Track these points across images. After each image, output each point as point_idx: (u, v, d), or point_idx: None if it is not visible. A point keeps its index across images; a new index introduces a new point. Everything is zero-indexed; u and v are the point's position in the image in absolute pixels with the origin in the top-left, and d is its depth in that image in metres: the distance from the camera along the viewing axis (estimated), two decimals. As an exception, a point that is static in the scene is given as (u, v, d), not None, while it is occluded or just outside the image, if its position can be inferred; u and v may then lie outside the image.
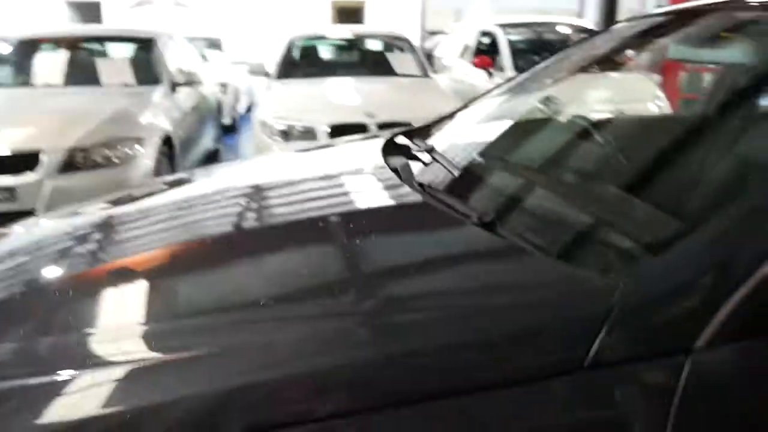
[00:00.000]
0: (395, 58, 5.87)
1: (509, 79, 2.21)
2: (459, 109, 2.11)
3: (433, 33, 13.46)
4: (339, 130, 4.52)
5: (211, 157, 5.92)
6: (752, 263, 0.80)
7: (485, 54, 7.03)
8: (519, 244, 1.05)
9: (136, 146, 3.82)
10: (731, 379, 0.81)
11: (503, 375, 0.81)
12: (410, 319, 0.94)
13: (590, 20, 9.43)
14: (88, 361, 0.93)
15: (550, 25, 7.68)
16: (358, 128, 4.58)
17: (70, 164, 3.56)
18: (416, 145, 1.70)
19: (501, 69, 6.51)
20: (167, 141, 4.29)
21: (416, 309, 0.98)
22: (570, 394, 0.79)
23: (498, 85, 2.17)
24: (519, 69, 6.39)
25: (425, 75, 5.70)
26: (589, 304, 0.85)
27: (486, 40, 7.34)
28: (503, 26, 6.98)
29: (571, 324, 0.83)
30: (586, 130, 1.67)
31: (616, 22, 3.42)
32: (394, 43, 6.20)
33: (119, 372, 0.89)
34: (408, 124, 4.54)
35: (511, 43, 6.72)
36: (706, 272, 0.83)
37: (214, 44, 10.28)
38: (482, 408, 0.78)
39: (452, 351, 0.83)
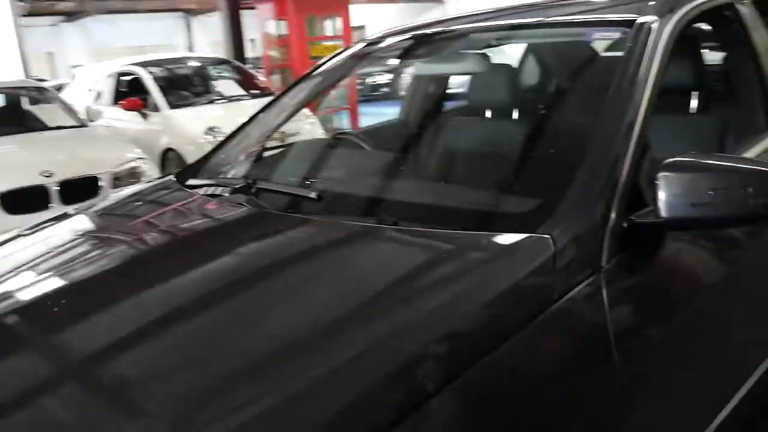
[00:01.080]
0: (42, 111, 5.35)
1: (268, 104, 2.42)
2: (227, 138, 2.28)
3: (41, 80, 12.27)
4: (14, 196, 4.01)
5: None
6: (606, 211, 1.21)
7: (127, 95, 6.88)
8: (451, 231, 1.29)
9: None
10: (625, 278, 1.22)
11: (503, 326, 1.05)
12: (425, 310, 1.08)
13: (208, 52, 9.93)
14: None
15: (183, 60, 7.95)
16: (38, 191, 4.13)
17: None
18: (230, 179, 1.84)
19: (155, 107, 6.48)
20: None
21: (415, 299, 1.15)
22: (550, 323, 1.09)
23: (257, 113, 2.39)
24: (172, 105, 6.46)
25: (82, 124, 5.34)
26: (540, 257, 1.16)
27: (125, 80, 7.17)
28: (143, 65, 6.91)
29: (537, 275, 1.13)
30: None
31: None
32: (31, 94, 5.62)
33: None
34: (94, 178, 4.31)
35: (156, 80, 6.72)
36: (586, 221, 1.22)
37: None
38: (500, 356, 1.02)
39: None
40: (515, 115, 2.07)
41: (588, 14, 1.84)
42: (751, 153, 1.65)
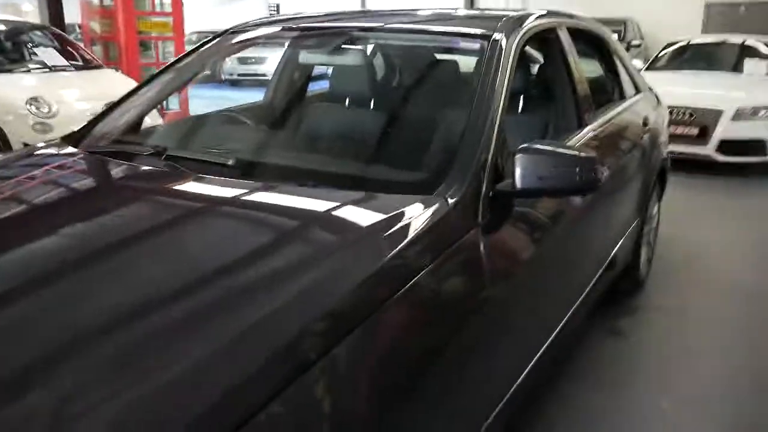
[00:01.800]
0: None
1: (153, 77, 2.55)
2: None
3: None
4: None
5: None
6: (478, 182, 1.61)
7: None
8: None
9: None
10: (493, 231, 1.63)
11: (421, 259, 1.40)
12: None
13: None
14: None
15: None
16: None
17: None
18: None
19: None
20: None
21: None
22: (450, 258, 1.46)
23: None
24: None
25: None
26: (440, 212, 1.51)
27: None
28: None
29: (441, 223, 1.49)
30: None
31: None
32: None
33: None
34: None
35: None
36: (466, 189, 1.60)
37: None
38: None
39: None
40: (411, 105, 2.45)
41: (454, 27, 2.27)
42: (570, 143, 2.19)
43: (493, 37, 2.02)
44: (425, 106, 2.26)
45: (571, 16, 2.78)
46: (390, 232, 1.39)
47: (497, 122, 1.76)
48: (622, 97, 3.15)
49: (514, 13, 2.29)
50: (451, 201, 1.53)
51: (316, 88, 3.19)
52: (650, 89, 3.69)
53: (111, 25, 8.03)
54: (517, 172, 1.62)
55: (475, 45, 2.06)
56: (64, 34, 7.18)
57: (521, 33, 2.12)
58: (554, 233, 2.02)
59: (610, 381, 2.66)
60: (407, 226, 1.42)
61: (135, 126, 2.42)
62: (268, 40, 2.85)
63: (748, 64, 7.16)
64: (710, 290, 3.63)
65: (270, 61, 15.58)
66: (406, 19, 2.52)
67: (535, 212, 1.88)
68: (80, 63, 6.77)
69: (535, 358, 1.93)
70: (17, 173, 1.95)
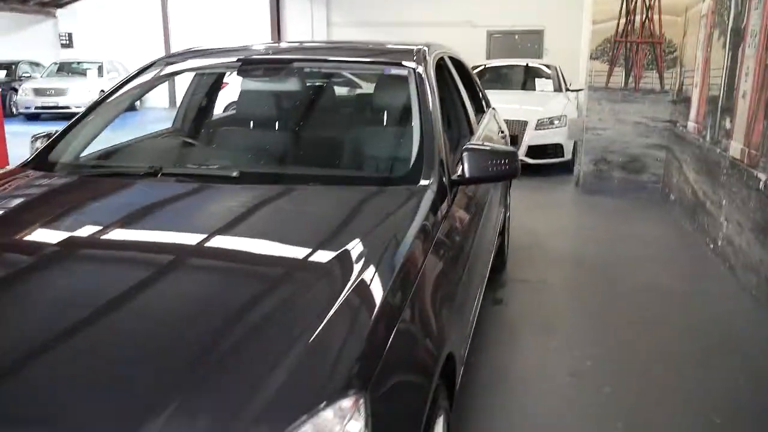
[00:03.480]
0: None
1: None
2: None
3: None
4: None
5: None
6: (441, 174, 2.13)
7: None
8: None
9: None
10: (454, 205, 2.16)
11: (426, 226, 1.90)
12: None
13: None
14: None
15: None
16: None
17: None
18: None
19: None
20: None
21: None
22: (437, 223, 1.97)
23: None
24: None
25: None
26: (430, 195, 2.00)
27: None
28: None
29: (432, 203, 1.98)
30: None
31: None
32: None
33: None
34: None
35: None
36: (436, 178, 2.10)
37: None
38: None
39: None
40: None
41: (375, 58, 2.80)
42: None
43: (416, 67, 2.56)
44: (387, 122, 2.74)
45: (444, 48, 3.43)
46: (410, 206, 1.90)
47: (441, 131, 2.31)
48: (482, 110, 3.89)
49: (417, 46, 2.83)
50: (432, 187, 2.04)
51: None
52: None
53: None
54: (466, 165, 2.18)
55: (404, 72, 2.58)
56: None
57: (432, 60, 2.70)
58: (476, 208, 2.63)
59: (495, 340, 3.33)
60: (418, 203, 1.92)
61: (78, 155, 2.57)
62: (211, 70, 3.10)
63: (539, 82, 8.59)
64: (553, 262, 4.54)
65: (71, 93, 14.73)
66: (339, 52, 2.97)
67: (467, 193, 2.47)
68: None
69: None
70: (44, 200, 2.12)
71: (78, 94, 14.76)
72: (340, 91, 3.12)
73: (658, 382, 2.90)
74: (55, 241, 1.70)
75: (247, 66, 2.79)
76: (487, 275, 3.21)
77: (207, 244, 1.67)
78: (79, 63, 16.41)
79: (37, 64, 17.48)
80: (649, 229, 5.49)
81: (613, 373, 2.95)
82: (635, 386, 2.84)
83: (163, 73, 2.83)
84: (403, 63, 2.61)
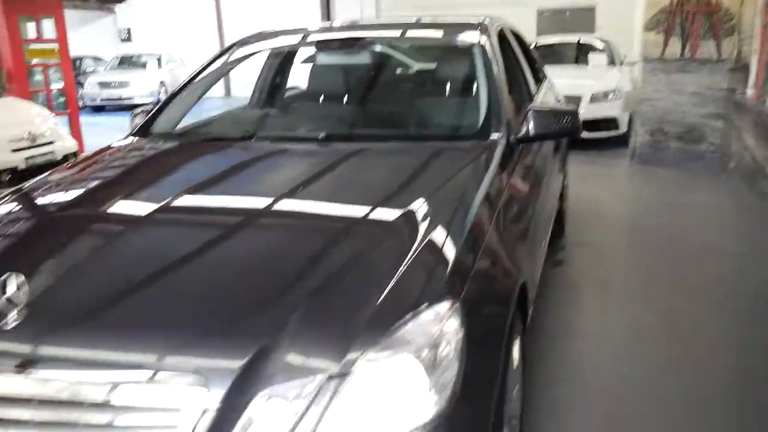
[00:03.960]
0: None
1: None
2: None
3: None
4: None
5: None
6: (508, 132, 2.33)
7: None
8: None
9: None
10: (521, 156, 2.36)
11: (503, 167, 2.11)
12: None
13: None
14: None
15: None
16: None
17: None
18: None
19: None
20: None
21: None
22: (511, 167, 2.19)
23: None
24: None
25: None
26: (502, 145, 2.22)
27: None
28: None
29: (505, 151, 2.19)
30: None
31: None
32: None
33: None
34: None
35: None
36: (503, 135, 2.30)
37: None
38: None
39: None
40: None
41: (442, 30, 3.01)
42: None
43: (481, 35, 2.75)
44: (457, 86, 2.94)
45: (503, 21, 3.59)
46: (484, 156, 2.12)
47: (506, 93, 2.50)
48: (540, 80, 4.04)
49: (480, 18, 3.01)
50: (501, 141, 2.25)
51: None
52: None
53: (-6, 54, 7.81)
54: (531, 124, 2.36)
55: (471, 40, 2.77)
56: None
57: (495, 32, 2.88)
58: (540, 167, 2.81)
59: (557, 299, 3.50)
60: (491, 153, 2.15)
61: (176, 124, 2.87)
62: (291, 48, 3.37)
63: (592, 57, 8.58)
64: (611, 226, 4.66)
65: (133, 85, 15.39)
66: (408, 27, 3.20)
67: (531, 154, 2.66)
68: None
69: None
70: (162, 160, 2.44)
71: (139, 86, 15.40)
72: (411, 61, 3.33)
73: (712, 336, 3.02)
74: (175, 191, 1.98)
75: (325, 43, 3.05)
76: (549, 236, 3.38)
77: (308, 191, 1.94)
78: (139, 56, 17.05)
79: (99, 59, 18.27)
80: (706, 196, 5.52)
81: (671, 329, 3.10)
82: (693, 341, 2.98)
83: (243, 53, 3.10)
84: (469, 32, 2.81)
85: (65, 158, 6.39)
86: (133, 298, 1.42)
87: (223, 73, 3.21)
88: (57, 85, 8.56)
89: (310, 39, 3.17)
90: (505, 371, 1.59)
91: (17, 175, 5.87)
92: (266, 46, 3.26)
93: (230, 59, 3.10)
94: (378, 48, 3.16)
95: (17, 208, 2.03)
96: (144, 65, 16.56)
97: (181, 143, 2.56)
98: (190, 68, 16.78)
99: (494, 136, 2.28)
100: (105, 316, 1.37)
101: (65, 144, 6.52)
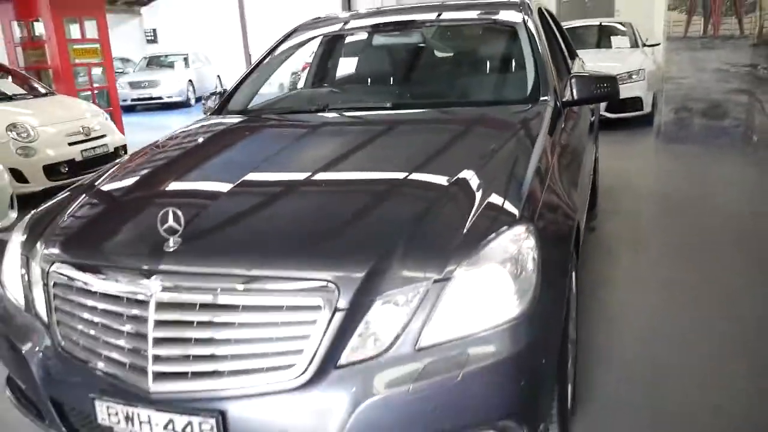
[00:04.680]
0: None
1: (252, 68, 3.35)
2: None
3: None
4: None
5: None
6: (556, 96, 2.62)
7: None
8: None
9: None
10: (566, 117, 2.65)
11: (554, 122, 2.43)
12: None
13: None
14: None
15: None
16: None
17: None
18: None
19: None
20: None
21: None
22: (559, 123, 2.50)
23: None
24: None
25: None
26: (550, 107, 2.51)
27: None
28: None
29: (553, 112, 2.48)
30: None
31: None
32: None
33: None
34: None
35: None
36: (551, 99, 2.59)
37: None
38: None
39: None
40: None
41: (487, 8, 3.30)
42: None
43: (525, 12, 3.02)
44: (507, 58, 3.21)
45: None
46: (537, 116, 2.41)
47: (551, 62, 2.78)
48: (573, 57, 4.29)
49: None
50: (550, 103, 2.54)
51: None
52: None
53: (42, 55, 8.23)
54: (574, 89, 2.64)
55: (516, 16, 3.05)
56: (8, 66, 7.36)
57: (536, 9, 3.15)
58: (580, 133, 3.08)
59: (592, 257, 3.76)
60: (543, 113, 2.44)
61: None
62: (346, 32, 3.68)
63: (615, 40, 8.78)
64: (640, 197, 4.91)
65: (163, 84, 15.83)
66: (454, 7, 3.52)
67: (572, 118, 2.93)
68: (42, 91, 7.05)
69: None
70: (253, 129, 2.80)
71: (169, 85, 15.84)
72: (463, 39, 3.65)
73: (736, 284, 3.27)
74: (283, 145, 2.46)
75: (377, 26, 3.36)
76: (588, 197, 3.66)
77: (393, 146, 2.36)
78: (166, 56, 17.50)
79: (128, 60, 18.75)
80: (731, 169, 5.73)
81: (698, 278, 3.36)
82: (717, 287, 3.24)
83: (303, 38, 3.41)
84: (514, 10, 3.12)
85: (116, 151, 6.78)
86: (274, 226, 1.76)
87: (285, 57, 3.51)
88: (98, 85, 8.96)
89: (365, 22, 3.49)
90: (569, 293, 1.87)
91: (75, 167, 6.26)
92: (323, 31, 3.56)
93: (291, 44, 3.41)
94: (427, 28, 3.46)
95: (159, 158, 2.49)
96: (172, 65, 16.99)
97: (265, 116, 2.90)
98: (215, 67, 17.32)
99: (544, 99, 2.56)
100: (256, 240, 1.70)
101: (115, 138, 6.89)
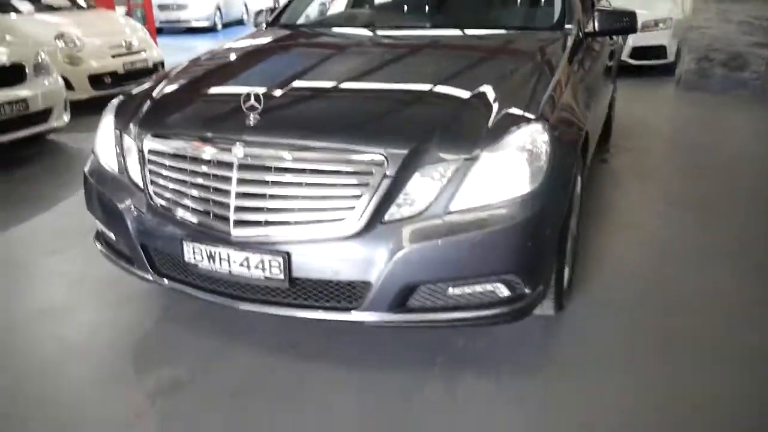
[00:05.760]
0: None
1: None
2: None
3: None
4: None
5: None
6: (579, 27, 2.91)
7: None
8: None
9: None
10: (587, 42, 2.94)
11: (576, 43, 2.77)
12: None
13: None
14: None
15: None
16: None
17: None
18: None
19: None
20: None
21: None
22: (580, 46, 2.84)
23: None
24: None
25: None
26: (573, 33, 2.84)
27: None
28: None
29: (576, 38, 2.79)
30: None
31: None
32: None
33: None
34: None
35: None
36: (575, 29, 2.88)
37: None
38: None
39: None
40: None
41: None
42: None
43: None
44: None
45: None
46: (561, 40, 2.74)
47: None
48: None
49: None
50: (573, 31, 2.86)
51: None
52: None
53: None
54: (596, 22, 2.93)
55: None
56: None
57: None
58: (600, 60, 3.39)
59: (602, 183, 4.10)
60: (566, 37, 2.78)
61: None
62: None
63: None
64: (654, 137, 5.20)
65: (191, 8, 15.93)
66: None
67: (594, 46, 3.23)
68: (77, 5, 7.31)
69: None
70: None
71: (197, 9, 15.93)
72: None
73: (734, 209, 3.61)
74: (330, 53, 2.86)
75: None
76: (602, 124, 3.96)
77: (437, 53, 2.82)
78: (194, -20, 17.47)
79: (156, -18, 18.74)
80: (745, 117, 5.96)
81: (700, 201, 3.70)
82: (717, 209, 3.58)
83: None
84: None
85: (155, 66, 7.09)
86: (336, 111, 2.17)
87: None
88: (135, 2, 9.20)
89: None
90: (573, 190, 2.23)
91: (117, 79, 6.60)
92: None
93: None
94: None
95: (227, 58, 2.90)
96: (205, -11, 17.02)
97: (317, 30, 3.24)
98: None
99: (567, 27, 2.87)
100: (323, 119, 2.10)
101: (153, 53, 7.18)
